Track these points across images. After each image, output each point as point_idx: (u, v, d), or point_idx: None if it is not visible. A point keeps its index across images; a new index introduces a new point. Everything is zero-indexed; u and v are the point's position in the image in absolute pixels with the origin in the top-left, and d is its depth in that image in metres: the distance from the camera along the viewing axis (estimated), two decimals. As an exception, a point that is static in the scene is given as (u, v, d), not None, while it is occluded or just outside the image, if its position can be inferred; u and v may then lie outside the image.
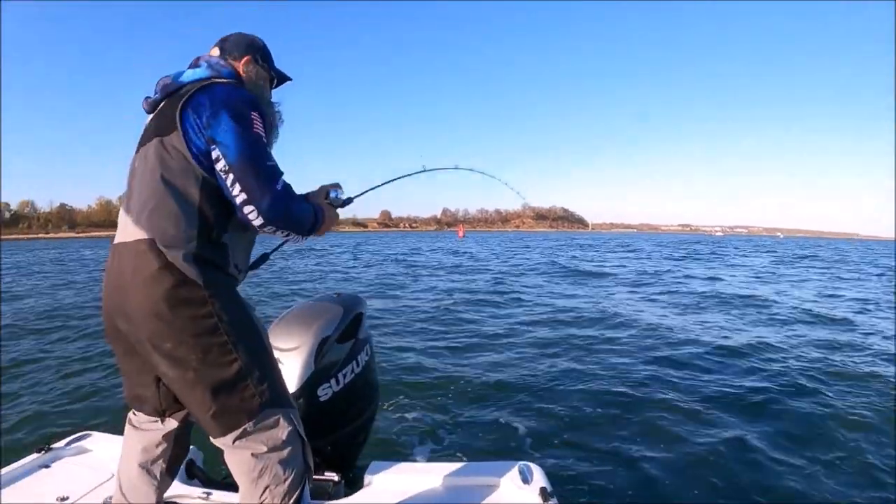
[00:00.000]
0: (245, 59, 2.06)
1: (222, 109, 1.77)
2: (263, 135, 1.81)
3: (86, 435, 3.20)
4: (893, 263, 35.57)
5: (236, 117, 1.76)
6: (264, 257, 2.26)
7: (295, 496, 1.87)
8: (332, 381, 2.60)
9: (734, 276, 22.04)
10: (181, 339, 1.72)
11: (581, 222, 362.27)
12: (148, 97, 1.98)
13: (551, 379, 6.49)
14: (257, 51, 2.11)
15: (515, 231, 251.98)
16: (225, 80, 1.91)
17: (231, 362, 1.76)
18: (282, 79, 2.27)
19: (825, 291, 16.62)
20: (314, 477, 2.41)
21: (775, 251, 52.44)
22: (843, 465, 4.34)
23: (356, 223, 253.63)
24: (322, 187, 2.24)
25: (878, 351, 8.20)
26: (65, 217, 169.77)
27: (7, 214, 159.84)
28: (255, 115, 1.81)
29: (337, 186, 2.27)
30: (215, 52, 2.08)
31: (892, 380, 6.44)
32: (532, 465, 2.53)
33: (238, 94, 1.85)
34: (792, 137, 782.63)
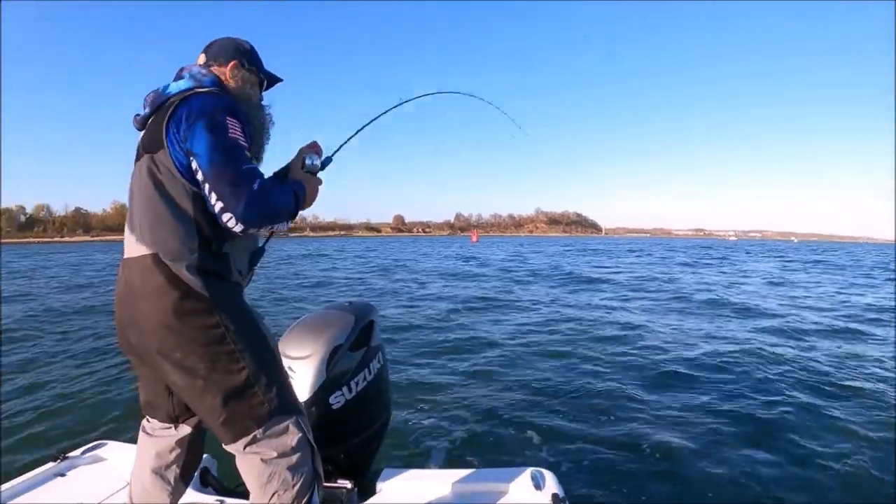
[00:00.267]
0: (231, 63, 2.06)
1: (197, 120, 1.77)
2: (240, 138, 1.80)
3: (101, 444, 3.23)
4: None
5: (209, 126, 1.76)
6: (261, 251, 2.19)
7: (303, 502, 1.88)
8: (345, 388, 2.61)
9: (746, 281, 21.86)
10: (190, 349, 1.76)
11: (594, 227, 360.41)
12: (138, 114, 1.98)
13: (564, 385, 6.47)
14: (243, 54, 2.10)
15: (528, 236, 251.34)
16: (205, 90, 1.90)
17: (239, 370, 1.80)
18: (272, 80, 2.27)
19: (838, 298, 16.46)
20: (327, 484, 2.42)
21: (787, 256, 51.77)
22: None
23: (369, 228, 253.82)
24: (299, 153, 2.18)
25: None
26: (80, 221, 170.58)
27: (22, 218, 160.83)
28: (230, 120, 1.79)
29: (312, 148, 2.20)
30: (201, 58, 2.09)
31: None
32: (544, 471, 2.53)
33: (213, 102, 1.83)
34: (808, 140, 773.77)
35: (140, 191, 1.86)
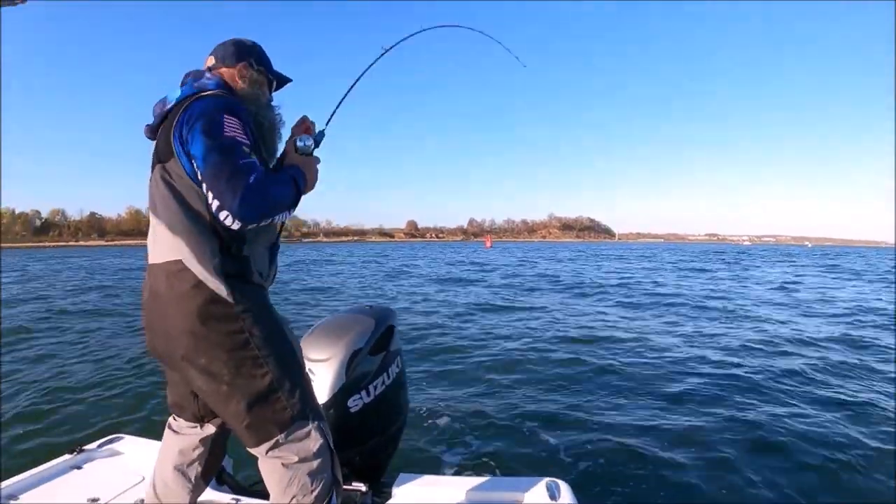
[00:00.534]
0: (240, 65, 2.07)
1: (195, 123, 1.77)
2: (239, 135, 1.78)
3: (117, 438, 3.26)
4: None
5: (205, 127, 1.76)
6: (275, 247, 2.13)
7: None
8: (363, 392, 2.62)
9: (758, 288, 21.72)
10: (215, 354, 1.79)
11: (608, 232, 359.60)
12: (148, 124, 2.00)
13: (580, 393, 6.43)
14: (252, 55, 2.11)
15: (542, 241, 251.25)
16: (208, 93, 1.91)
17: (263, 375, 1.82)
18: (282, 81, 2.28)
19: (853, 304, 16.28)
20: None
21: (799, 261, 51.41)
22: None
23: (383, 233, 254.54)
24: (291, 136, 2.14)
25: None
26: (94, 225, 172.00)
27: (38, 222, 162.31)
28: (227, 118, 1.79)
29: (302, 127, 2.16)
30: (210, 61, 2.10)
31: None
32: (560, 481, 2.51)
33: (212, 104, 1.83)
34: (823, 144, 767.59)
35: (157, 199, 1.88)
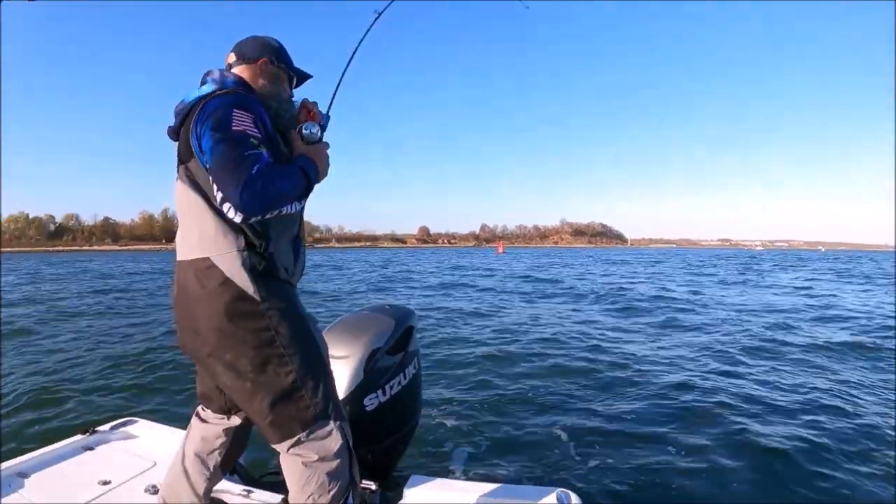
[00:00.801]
0: (261, 61, 2.08)
1: (207, 120, 1.78)
2: (248, 129, 1.76)
3: (131, 421, 3.28)
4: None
5: (214, 123, 1.76)
6: (298, 241, 2.08)
7: None
8: (380, 391, 2.63)
9: (774, 295, 21.57)
10: (241, 351, 1.82)
11: (620, 238, 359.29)
12: (171, 126, 2.01)
13: (596, 399, 6.38)
14: (272, 52, 2.11)
15: (554, 247, 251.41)
16: (226, 91, 1.90)
17: (287, 374, 1.84)
18: (302, 77, 2.27)
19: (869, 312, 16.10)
20: None
21: (811, 266, 50.96)
22: None
23: (395, 239, 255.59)
24: (298, 127, 2.07)
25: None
26: (108, 230, 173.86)
27: (52, 227, 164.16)
28: (237, 112, 1.78)
29: (305, 113, 2.11)
30: (231, 57, 2.11)
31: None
32: (570, 492, 2.47)
33: (224, 101, 1.83)
34: (836, 147, 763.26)
35: (183, 198, 1.91)
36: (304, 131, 2.01)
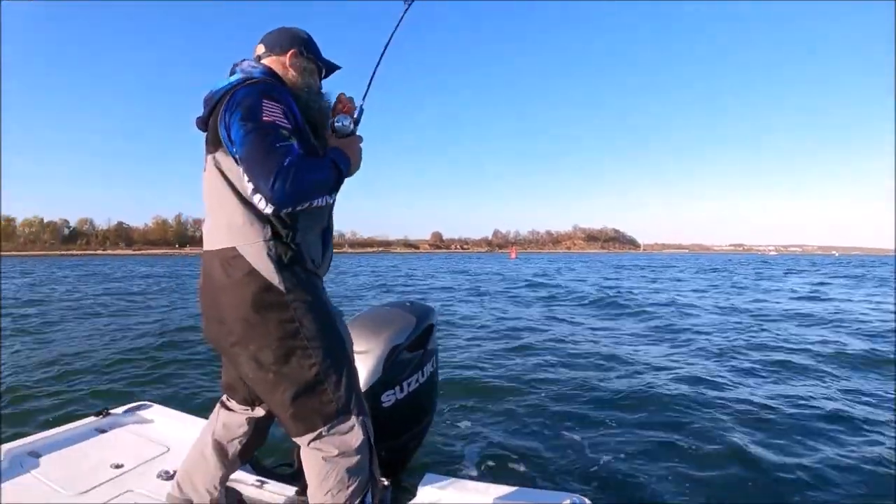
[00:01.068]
0: (290, 52, 2.07)
1: (236, 111, 1.78)
2: (278, 118, 1.76)
3: (145, 405, 3.29)
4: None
5: (244, 113, 1.76)
6: (328, 233, 2.09)
7: (356, 503, 1.90)
8: (397, 388, 2.64)
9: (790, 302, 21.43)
10: (264, 342, 1.82)
11: (632, 243, 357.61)
12: (199, 116, 2.02)
13: (610, 407, 6.29)
14: (301, 43, 2.11)
15: (566, 252, 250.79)
16: (255, 80, 1.90)
17: (310, 367, 1.84)
18: (331, 68, 2.26)
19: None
20: None
21: (823, 271, 50.48)
22: None
23: (408, 244, 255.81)
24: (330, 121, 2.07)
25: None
26: (122, 234, 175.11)
27: (66, 231, 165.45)
28: (267, 102, 1.78)
29: (340, 106, 2.10)
30: (260, 49, 2.11)
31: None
32: (586, 499, 2.46)
33: (253, 90, 1.83)
34: (850, 150, 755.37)
35: (210, 188, 1.93)
36: (336, 124, 2.02)
